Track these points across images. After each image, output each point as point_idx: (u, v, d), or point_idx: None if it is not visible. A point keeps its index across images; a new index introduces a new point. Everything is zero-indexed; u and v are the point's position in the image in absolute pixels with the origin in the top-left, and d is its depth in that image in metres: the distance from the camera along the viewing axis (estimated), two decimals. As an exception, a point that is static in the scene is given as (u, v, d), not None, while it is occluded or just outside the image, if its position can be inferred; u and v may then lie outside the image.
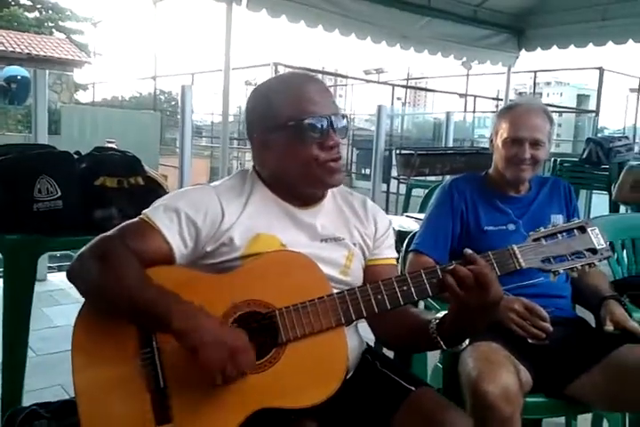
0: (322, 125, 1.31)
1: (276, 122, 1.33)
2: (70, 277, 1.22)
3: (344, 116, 1.36)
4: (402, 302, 1.24)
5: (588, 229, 1.31)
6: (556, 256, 1.29)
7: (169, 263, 1.27)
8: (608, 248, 1.31)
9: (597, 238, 1.30)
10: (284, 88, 1.36)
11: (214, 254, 1.31)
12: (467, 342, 1.30)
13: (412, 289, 1.24)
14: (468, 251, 1.22)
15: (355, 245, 1.44)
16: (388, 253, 1.50)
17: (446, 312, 1.27)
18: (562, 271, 1.29)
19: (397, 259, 1.58)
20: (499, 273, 1.24)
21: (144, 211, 1.32)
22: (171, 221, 1.28)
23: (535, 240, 1.29)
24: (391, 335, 1.42)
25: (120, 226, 1.29)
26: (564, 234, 1.31)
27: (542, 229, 1.31)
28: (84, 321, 1.22)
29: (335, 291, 1.28)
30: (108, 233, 1.26)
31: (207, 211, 1.31)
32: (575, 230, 1.31)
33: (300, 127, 1.30)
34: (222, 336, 1.13)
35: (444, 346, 1.27)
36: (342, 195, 1.50)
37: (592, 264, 1.30)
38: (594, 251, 1.30)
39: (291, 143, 1.32)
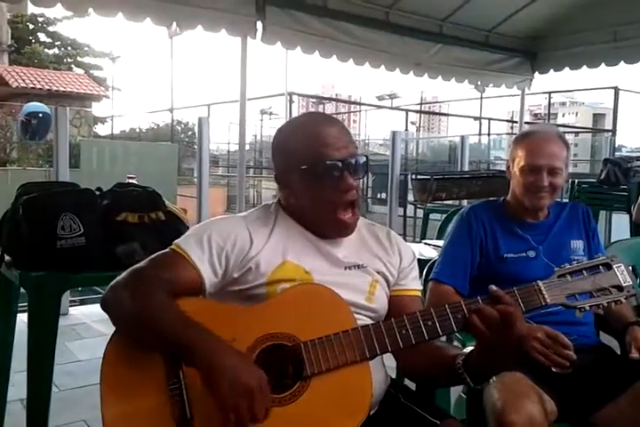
0: (337, 170, 1.33)
1: (294, 165, 1.37)
2: (104, 307, 1.24)
3: (362, 156, 1.38)
4: (427, 338, 1.24)
5: (614, 266, 1.29)
6: (580, 293, 1.27)
7: (200, 291, 1.30)
8: (634, 285, 1.29)
9: (623, 275, 1.28)
10: (302, 132, 1.40)
11: (241, 281, 1.33)
12: (494, 378, 1.29)
13: (437, 324, 1.23)
14: (493, 287, 1.21)
15: (378, 273, 1.44)
16: (413, 285, 1.51)
17: (472, 348, 1.26)
18: (587, 308, 1.27)
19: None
20: (524, 309, 1.23)
21: (175, 241, 1.34)
22: (202, 251, 1.31)
23: (560, 276, 1.28)
24: (416, 368, 1.40)
25: (151, 257, 1.32)
26: (590, 270, 1.29)
27: (567, 266, 1.29)
28: (112, 353, 1.23)
29: (360, 317, 1.29)
30: (141, 264, 1.28)
31: (236, 238, 1.34)
32: (601, 267, 1.30)
33: (314, 172, 1.34)
34: (240, 378, 1.10)
35: (471, 383, 1.25)
36: (366, 226, 1.52)
37: (618, 301, 1.28)
38: (619, 288, 1.28)
39: (306, 187, 1.37)
